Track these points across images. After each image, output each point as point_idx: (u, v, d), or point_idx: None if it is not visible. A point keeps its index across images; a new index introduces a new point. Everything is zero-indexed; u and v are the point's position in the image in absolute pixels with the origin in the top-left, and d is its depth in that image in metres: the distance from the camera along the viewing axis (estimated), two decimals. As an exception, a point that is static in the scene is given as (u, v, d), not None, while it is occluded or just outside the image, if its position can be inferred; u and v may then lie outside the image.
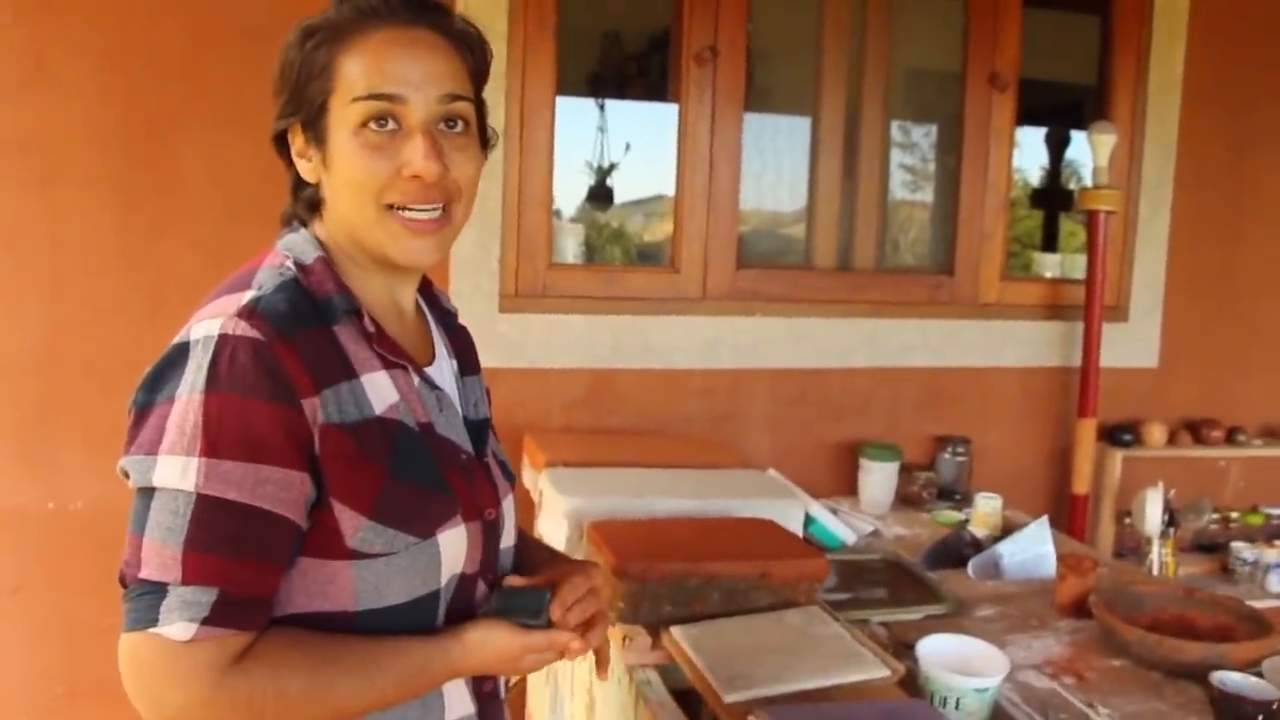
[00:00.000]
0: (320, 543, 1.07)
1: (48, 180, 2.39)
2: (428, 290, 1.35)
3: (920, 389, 3.04)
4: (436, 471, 1.14)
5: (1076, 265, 3.44)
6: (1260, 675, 1.68)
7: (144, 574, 1.00)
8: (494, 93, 2.56)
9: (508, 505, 1.28)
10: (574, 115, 4.24)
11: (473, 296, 2.61)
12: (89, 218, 2.42)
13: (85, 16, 2.36)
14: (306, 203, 1.19)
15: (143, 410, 1.03)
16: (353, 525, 1.06)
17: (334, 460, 1.05)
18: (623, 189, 4.62)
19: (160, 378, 1.03)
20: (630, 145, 4.55)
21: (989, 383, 3.10)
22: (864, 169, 3.05)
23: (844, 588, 2.12)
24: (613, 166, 4.57)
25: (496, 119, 2.58)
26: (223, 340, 1.02)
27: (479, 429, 1.27)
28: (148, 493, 1.01)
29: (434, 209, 1.13)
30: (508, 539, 1.28)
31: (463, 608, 1.19)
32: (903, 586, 2.18)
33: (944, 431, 3.03)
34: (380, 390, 1.12)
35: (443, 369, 1.26)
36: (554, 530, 2.11)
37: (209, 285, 1.14)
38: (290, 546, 1.05)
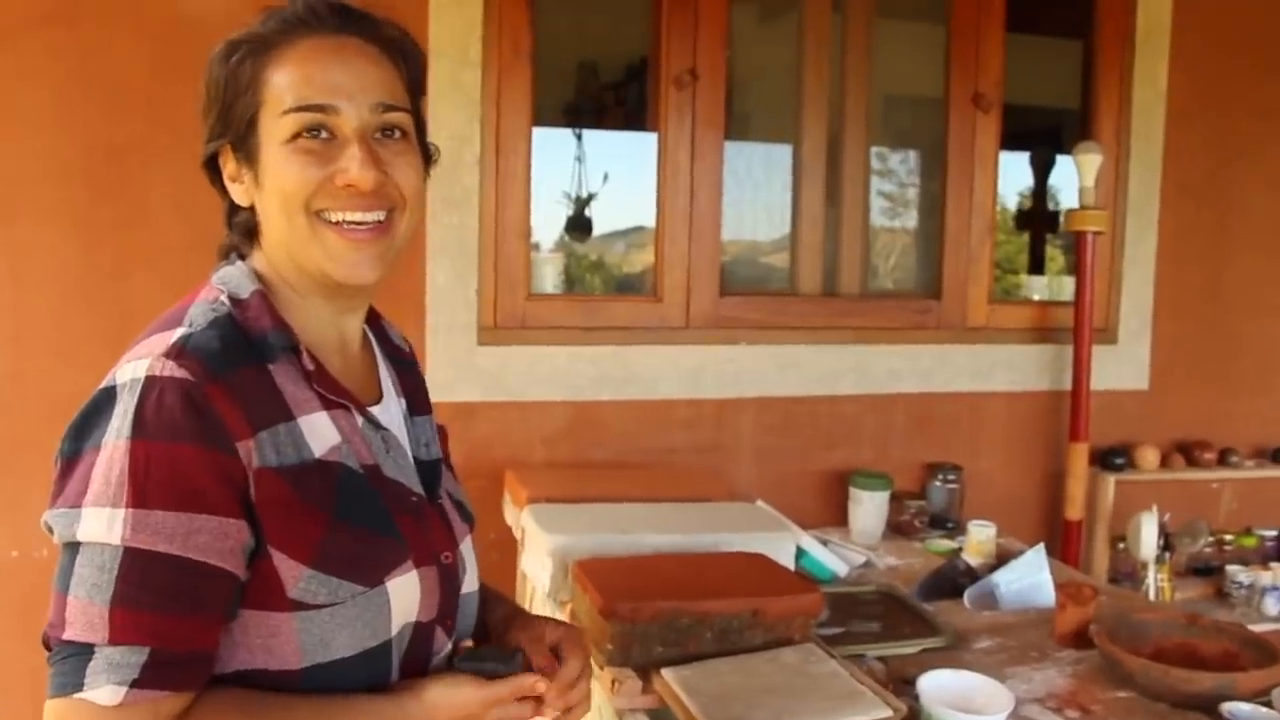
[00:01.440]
0: (260, 594, 1.00)
1: (6, 216, 2.32)
2: (376, 323, 1.29)
3: (909, 415, 2.99)
4: (385, 515, 1.08)
5: (1062, 288, 3.41)
6: (1269, 705, 1.64)
7: (68, 635, 0.93)
8: (469, 121, 2.54)
9: (466, 548, 1.22)
10: (551, 145, 4.21)
11: (450, 329, 2.55)
12: (50, 254, 2.35)
13: (42, 45, 2.30)
14: (243, 230, 1.14)
15: (69, 460, 0.97)
16: (294, 575, 1.00)
17: (271, 506, 0.99)
18: (601, 220, 4.59)
19: (86, 425, 0.97)
20: (608, 175, 4.52)
21: (979, 408, 3.05)
22: (847, 194, 3.02)
23: (836, 621, 2.06)
24: (591, 197, 4.54)
25: (472, 148, 2.55)
26: (150, 382, 0.95)
27: (431, 470, 1.22)
28: (73, 548, 0.94)
29: (373, 216, 1.07)
30: (469, 584, 1.21)
31: (420, 658, 1.12)
32: (898, 619, 2.12)
33: (934, 458, 2.98)
34: (320, 432, 1.05)
35: (390, 408, 1.20)
36: (538, 570, 2.04)
37: None
38: (229, 598, 0.98)
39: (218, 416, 0.96)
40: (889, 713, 1.47)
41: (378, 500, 1.08)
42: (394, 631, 1.07)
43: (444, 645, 1.16)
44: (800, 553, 2.32)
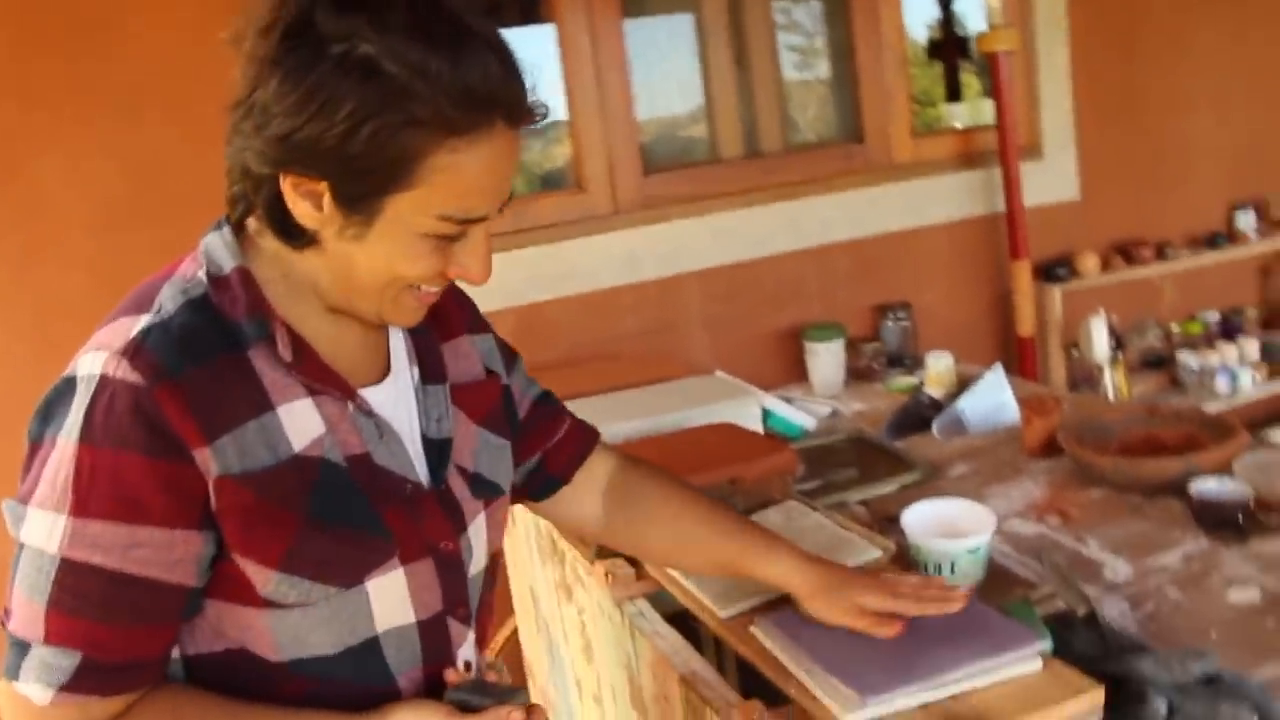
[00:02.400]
0: (231, 589, 0.98)
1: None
2: None
3: (851, 262, 2.99)
4: (369, 510, 1.02)
5: (982, 112, 3.40)
6: (1233, 476, 1.69)
7: (11, 626, 0.94)
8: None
9: (475, 529, 1.14)
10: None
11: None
12: (-48, 255, 2.26)
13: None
14: (279, 227, 0.98)
15: (33, 445, 0.94)
16: (262, 578, 0.97)
17: (233, 514, 0.94)
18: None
19: (50, 411, 0.94)
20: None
21: (918, 243, 3.06)
22: (754, 53, 2.97)
23: (814, 474, 2.08)
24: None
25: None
26: (102, 383, 0.91)
27: (440, 448, 1.12)
28: (20, 543, 0.93)
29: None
30: (477, 564, 1.16)
31: (439, 652, 1.10)
32: (872, 462, 2.15)
33: (882, 300, 2.99)
34: (301, 422, 0.98)
35: (399, 382, 1.11)
36: (512, 477, 2.04)
37: (97, 305, 1.02)
38: (175, 607, 0.96)
39: (168, 425, 0.90)
40: (879, 553, 1.49)
41: (361, 495, 1.01)
42: (380, 629, 1.04)
43: (464, 635, 1.14)
44: (766, 414, 2.34)
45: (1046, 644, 1.18)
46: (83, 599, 0.91)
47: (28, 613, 0.92)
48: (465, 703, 1.03)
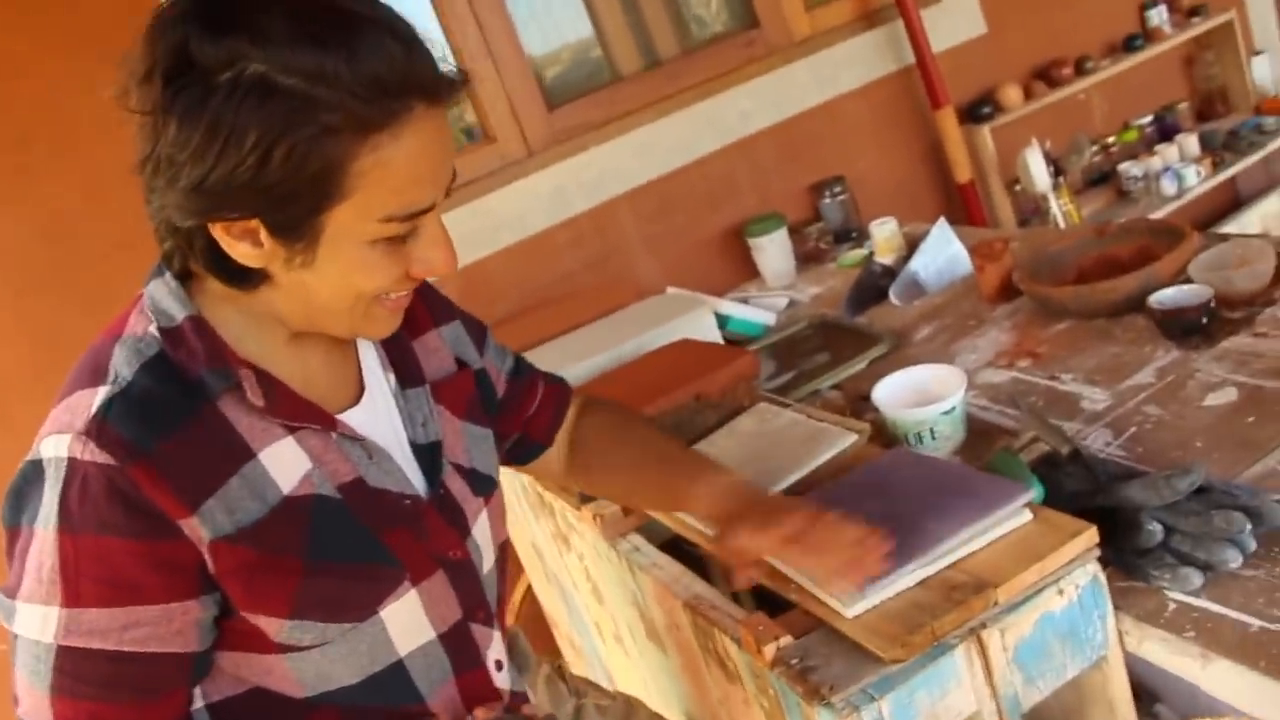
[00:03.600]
0: (245, 641, 0.96)
1: None
2: None
3: (776, 148, 2.94)
4: (372, 539, 0.99)
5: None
6: (1190, 280, 1.67)
7: (20, 712, 0.93)
8: None
9: (479, 529, 1.12)
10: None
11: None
12: None
13: None
14: (224, 274, 0.93)
15: (11, 530, 0.91)
16: (273, 627, 0.95)
17: (234, 575, 0.92)
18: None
19: (21, 496, 0.90)
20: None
21: (837, 114, 3.00)
22: (633, -40, 2.89)
23: (785, 368, 2.07)
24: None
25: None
26: (72, 468, 0.86)
27: (430, 453, 1.09)
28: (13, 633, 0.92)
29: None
30: (487, 561, 1.14)
31: (469, 660, 1.09)
32: (839, 343, 2.13)
33: (815, 179, 2.95)
34: (286, 462, 0.95)
35: (374, 399, 1.07)
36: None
37: (37, 374, 0.98)
38: (181, 674, 0.95)
39: (148, 503, 0.87)
40: (855, 436, 1.48)
41: (360, 525, 0.99)
42: (402, 653, 1.03)
43: (489, 636, 1.13)
44: (725, 320, 2.32)
45: (1034, 493, 1.17)
46: (85, 682, 0.90)
47: (32, 700, 0.91)
48: None
